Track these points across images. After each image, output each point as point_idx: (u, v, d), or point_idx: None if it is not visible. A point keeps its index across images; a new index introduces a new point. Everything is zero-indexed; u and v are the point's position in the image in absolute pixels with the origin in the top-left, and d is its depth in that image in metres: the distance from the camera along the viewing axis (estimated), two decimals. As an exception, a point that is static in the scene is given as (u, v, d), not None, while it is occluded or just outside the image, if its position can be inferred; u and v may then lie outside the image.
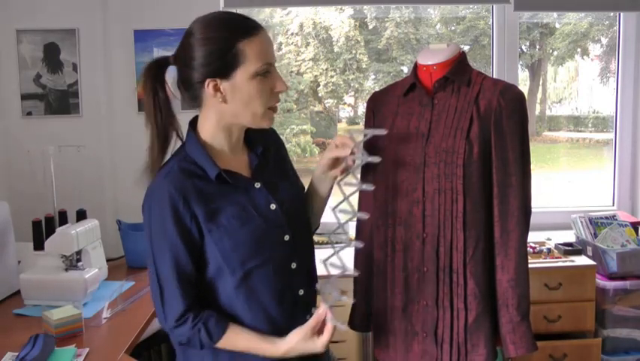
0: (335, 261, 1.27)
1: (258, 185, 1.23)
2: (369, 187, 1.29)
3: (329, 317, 1.18)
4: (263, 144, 1.29)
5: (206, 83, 1.15)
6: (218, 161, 1.20)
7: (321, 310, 1.19)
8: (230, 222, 1.17)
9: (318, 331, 1.19)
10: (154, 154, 1.22)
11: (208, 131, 1.22)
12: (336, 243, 1.36)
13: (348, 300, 1.32)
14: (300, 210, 1.32)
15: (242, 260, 1.17)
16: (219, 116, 1.20)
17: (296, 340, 1.18)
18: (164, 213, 1.15)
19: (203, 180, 1.18)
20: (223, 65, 1.14)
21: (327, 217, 1.39)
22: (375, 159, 1.29)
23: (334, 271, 1.26)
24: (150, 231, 1.18)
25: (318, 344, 1.18)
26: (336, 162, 1.31)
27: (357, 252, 1.55)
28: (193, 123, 1.26)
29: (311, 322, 1.19)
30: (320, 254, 1.33)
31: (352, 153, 1.27)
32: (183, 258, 1.16)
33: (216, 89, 1.15)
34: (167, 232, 1.15)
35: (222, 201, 1.18)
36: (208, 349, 1.19)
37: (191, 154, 1.21)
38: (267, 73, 1.16)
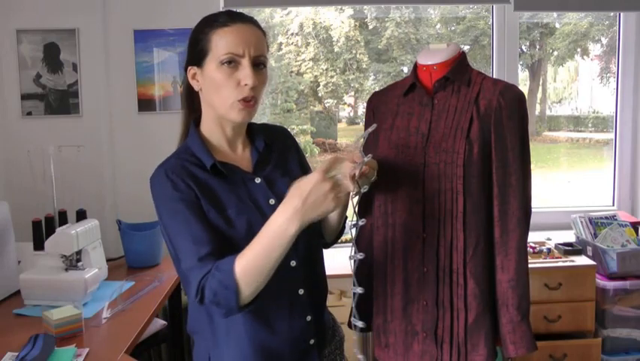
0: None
1: (258, 180, 1.24)
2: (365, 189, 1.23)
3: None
4: (266, 140, 1.29)
5: (188, 70, 1.21)
6: (216, 154, 1.22)
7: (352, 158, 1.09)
8: (226, 210, 1.17)
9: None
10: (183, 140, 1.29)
11: (206, 124, 1.26)
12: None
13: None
14: None
15: (234, 250, 1.15)
16: (206, 107, 1.24)
17: (309, 187, 1.02)
18: (166, 189, 1.16)
19: (200, 169, 1.20)
20: (196, 54, 1.19)
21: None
22: (369, 158, 1.23)
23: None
24: (158, 208, 1.17)
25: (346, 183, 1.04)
26: None
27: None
28: (197, 119, 1.28)
29: (326, 162, 1.05)
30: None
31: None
32: (192, 221, 1.12)
33: (193, 76, 1.21)
34: (173, 201, 1.14)
35: (219, 191, 1.18)
36: (233, 300, 1.06)
37: (191, 146, 1.23)
38: (235, 64, 1.16)
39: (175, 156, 1.23)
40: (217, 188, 1.19)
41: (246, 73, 1.16)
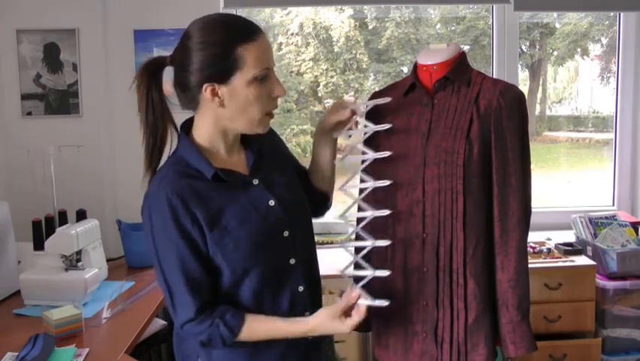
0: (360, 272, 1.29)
1: (256, 182, 1.23)
2: (383, 154, 1.29)
3: (362, 300, 1.19)
4: (259, 142, 1.28)
5: (204, 87, 1.14)
6: (213, 162, 1.20)
7: (354, 293, 1.19)
8: (230, 222, 1.16)
9: (346, 313, 1.18)
10: (147, 152, 1.21)
11: (204, 134, 1.22)
12: (351, 242, 1.38)
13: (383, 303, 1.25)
14: (300, 206, 1.31)
15: (241, 259, 1.17)
16: (216, 120, 1.19)
17: (323, 317, 1.17)
18: (165, 219, 1.13)
19: (200, 180, 1.17)
20: (221, 70, 1.12)
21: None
22: (383, 127, 1.26)
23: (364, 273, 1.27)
24: (152, 236, 1.16)
25: (344, 325, 1.17)
26: (337, 125, 1.35)
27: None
28: (185, 127, 1.25)
29: (341, 303, 1.18)
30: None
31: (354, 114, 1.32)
32: (190, 262, 1.14)
33: (214, 93, 1.14)
34: (171, 237, 1.14)
35: (221, 201, 1.17)
36: (223, 346, 1.18)
37: (185, 157, 1.20)
38: (265, 78, 1.15)
39: (172, 169, 1.18)
40: (218, 197, 1.17)
41: (277, 85, 1.17)
